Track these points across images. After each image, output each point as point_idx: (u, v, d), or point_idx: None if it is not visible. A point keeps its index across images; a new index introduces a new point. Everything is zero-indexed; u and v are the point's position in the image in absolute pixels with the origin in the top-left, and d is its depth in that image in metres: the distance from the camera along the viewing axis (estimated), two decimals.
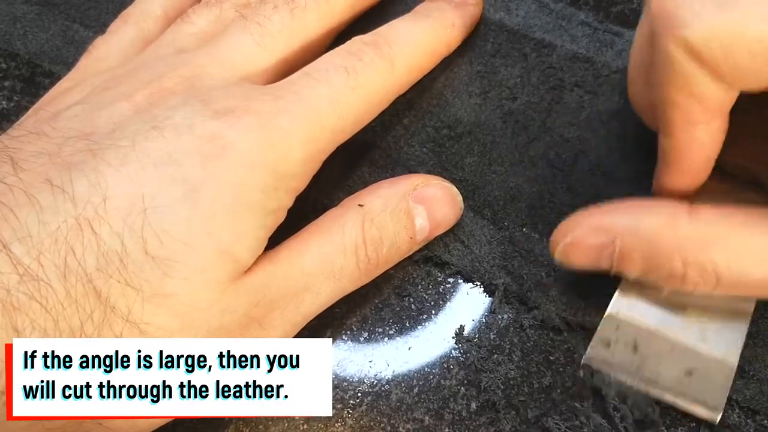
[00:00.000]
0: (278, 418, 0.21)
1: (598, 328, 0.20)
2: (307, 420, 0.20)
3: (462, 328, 0.22)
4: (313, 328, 0.21)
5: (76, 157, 0.18)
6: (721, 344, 0.20)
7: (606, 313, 0.21)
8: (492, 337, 0.21)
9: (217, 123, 0.19)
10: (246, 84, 0.21)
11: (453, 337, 0.21)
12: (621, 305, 0.21)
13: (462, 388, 0.21)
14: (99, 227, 0.17)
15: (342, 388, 0.21)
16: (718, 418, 0.19)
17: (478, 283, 0.22)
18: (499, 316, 0.22)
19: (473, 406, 0.20)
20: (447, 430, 0.20)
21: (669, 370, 0.20)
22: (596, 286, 0.22)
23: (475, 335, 0.21)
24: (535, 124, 0.24)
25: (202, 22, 0.24)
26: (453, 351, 0.21)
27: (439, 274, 0.23)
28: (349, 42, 0.22)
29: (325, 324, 0.22)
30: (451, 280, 0.23)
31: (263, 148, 0.19)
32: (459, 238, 0.23)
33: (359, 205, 0.21)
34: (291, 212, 0.20)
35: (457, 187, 0.23)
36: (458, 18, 0.25)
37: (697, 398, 0.19)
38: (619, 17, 0.26)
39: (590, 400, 0.20)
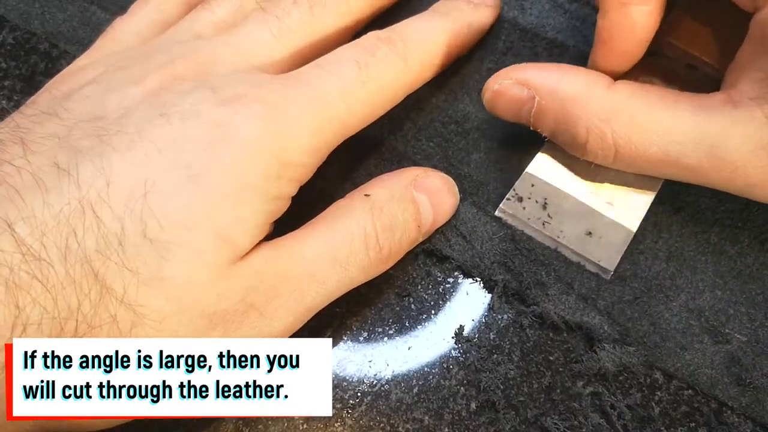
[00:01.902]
0: (278, 418, 0.21)
1: (515, 183, 0.22)
2: (307, 420, 0.21)
3: (462, 328, 0.22)
4: (313, 328, 0.21)
5: (84, 142, 0.18)
6: (624, 212, 0.22)
7: (525, 171, 0.23)
8: (492, 337, 0.21)
9: (224, 110, 0.19)
10: (257, 72, 0.21)
11: (453, 337, 0.21)
12: (541, 166, 0.23)
13: (462, 388, 0.21)
14: (101, 210, 0.17)
15: (342, 388, 0.21)
16: (609, 275, 0.22)
17: (478, 279, 0.22)
18: (499, 316, 0.22)
19: (473, 406, 0.21)
20: (447, 430, 0.20)
21: (571, 229, 0.22)
22: (596, 287, 0.22)
23: (475, 335, 0.21)
24: None
25: (222, 11, 0.24)
26: (453, 351, 0.21)
27: (439, 274, 0.23)
28: (363, 37, 0.22)
29: (325, 324, 0.22)
30: (450, 280, 0.23)
31: (268, 136, 0.19)
32: (461, 233, 0.23)
33: (365, 195, 0.21)
34: (298, 204, 0.20)
35: (462, 183, 0.23)
36: (475, 18, 0.25)
37: (594, 256, 0.21)
38: None
39: (588, 399, 0.20)
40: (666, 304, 0.21)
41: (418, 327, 0.22)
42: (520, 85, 0.21)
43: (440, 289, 0.22)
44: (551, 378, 0.21)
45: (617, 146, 0.19)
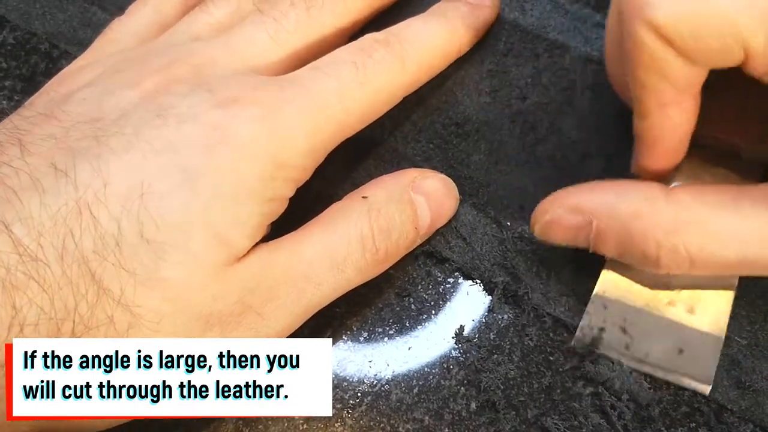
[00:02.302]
0: (278, 418, 0.21)
1: (587, 308, 0.21)
2: (307, 420, 0.21)
3: (462, 328, 0.22)
4: (313, 328, 0.21)
5: (82, 143, 0.18)
6: (708, 317, 0.20)
7: (593, 293, 0.21)
8: (492, 337, 0.21)
9: (221, 112, 0.19)
10: (254, 74, 0.21)
11: (453, 337, 0.21)
12: (607, 284, 0.21)
13: (462, 388, 0.21)
14: (98, 211, 0.17)
15: (342, 388, 0.21)
16: (708, 389, 0.20)
17: (478, 281, 0.22)
18: (499, 317, 0.22)
19: (473, 406, 0.21)
20: (447, 430, 0.20)
21: (659, 348, 0.20)
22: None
23: (475, 335, 0.21)
24: (544, 125, 0.24)
25: (220, 13, 0.24)
26: (453, 351, 0.21)
27: (439, 274, 0.23)
28: (360, 39, 0.22)
29: (325, 324, 0.22)
30: (451, 280, 0.23)
31: (265, 138, 0.19)
32: (461, 234, 0.23)
33: (363, 197, 0.21)
34: (296, 206, 0.20)
35: (462, 185, 0.23)
36: (473, 19, 0.25)
37: (688, 373, 0.20)
38: None
39: (588, 399, 0.20)
40: None
41: (418, 327, 0.22)
42: (573, 212, 0.20)
43: (440, 289, 0.22)
44: (551, 378, 0.21)
45: (691, 256, 0.18)
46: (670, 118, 0.18)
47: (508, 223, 0.23)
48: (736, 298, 0.20)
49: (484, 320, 0.22)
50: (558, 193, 0.20)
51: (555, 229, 0.20)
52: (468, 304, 0.22)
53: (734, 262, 0.18)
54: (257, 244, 0.19)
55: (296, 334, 0.20)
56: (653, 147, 0.20)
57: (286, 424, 0.20)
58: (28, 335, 0.16)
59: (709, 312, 0.20)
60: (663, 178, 0.20)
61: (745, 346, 0.20)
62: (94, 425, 0.18)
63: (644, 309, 0.20)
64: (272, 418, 0.21)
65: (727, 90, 0.20)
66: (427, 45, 0.23)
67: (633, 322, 0.20)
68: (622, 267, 0.21)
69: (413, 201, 0.21)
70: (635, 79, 0.18)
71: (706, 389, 0.20)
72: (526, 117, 0.25)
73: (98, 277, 0.17)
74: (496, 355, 0.21)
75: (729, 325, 0.21)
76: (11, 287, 0.16)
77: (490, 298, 0.22)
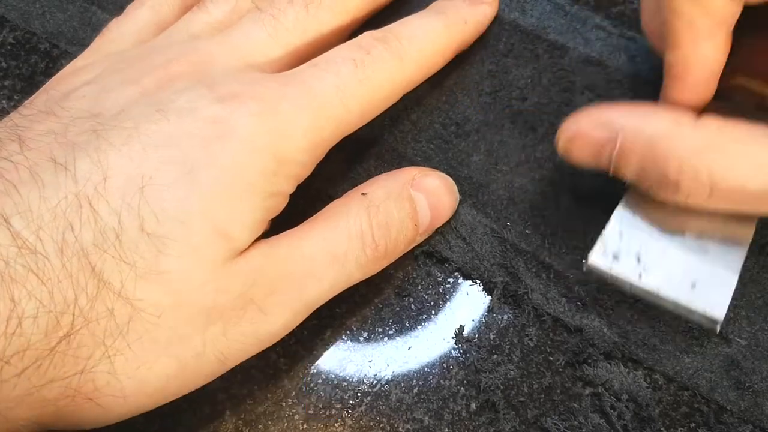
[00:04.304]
0: (278, 417, 0.21)
1: (603, 233, 0.20)
2: (307, 420, 0.21)
3: (462, 328, 0.22)
4: (313, 328, 0.21)
5: (82, 137, 0.18)
6: (724, 256, 0.20)
7: (610, 221, 0.21)
8: (492, 337, 0.21)
9: (221, 107, 0.19)
10: (253, 71, 0.21)
11: (453, 338, 0.21)
12: (625, 214, 0.21)
13: (461, 388, 0.21)
14: (98, 204, 0.17)
15: (342, 388, 0.21)
16: (718, 328, 0.20)
17: (478, 281, 0.22)
18: (499, 317, 0.22)
19: (473, 406, 0.21)
20: (446, 430, 0.20)
21: (672, 280, 0.20)
22: (595, 289, 0.22)
23: (475, 335, 0.21)
24: (544, 126, 0.24)
25: (218, 12, 0.24)
26: (453, 351, 0.21)
27: (439, 274, 0.23)
28: (359, 36, 0.22)
29: (325, 324, 0.22)
30: (450, 280, 0.23)
31: (265, 133, 0.19)
32: (461, 234, 0.23)
33: (362, 194, 0.21)
34: (297, 204, 0.21)
35: (462, 185, 0.23)
36: (472, 16, 0.25)
37: (699, 308, 0.19)
38: (635, 22, 0.26)
39: (588, 399, 0.20)
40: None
41: (418, 327, 0.22)
42: (600, 125, 0.20)
43: (440, 290, 0.22)
44: (551, 378, 0.21)
45: (713, 182, 0.18)
46: (701, 50, 0.19)
47: (508, 223, 0.23)
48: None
49: (483, 320, 0.22)
50: (588, 109, 0.21)
51: (579, 143, 0.20)
52: (468, 304, 0.22)
53: (755, 193, 0.18)
54: (258, 239, 0.19)
55: (296, 333, 0.20)
56: (683, 79, 0.20)
57: (286, 424, 0.20)
58: (27, 328, 0.16)
59: (726, 252, 0.20)
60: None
61: (745, 347, 0.20)
62: (96, 422, 0.18)
63: (660, 241, 0.20)
64: (272, 418, 0.21)
65: (760, 39, 0.21)
66: (425, 42, 0.23)
67: (648, 252, 0.20)
68: (640, 200, 0.21)
69: (412, 198, 0.21)
70: (672, 8, 0.19)
71: (715, 327, 0.20)
72: (526, 117, 0.25)
73: (98, 270, 0.16)
74: (495, 356, 0.21)
75: (728, 326, 0.21)
76: (10, 280, 0.16)
77: (489, 298, 0.22)
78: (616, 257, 0.20)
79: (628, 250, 0.20)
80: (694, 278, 0.20)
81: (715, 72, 0.20)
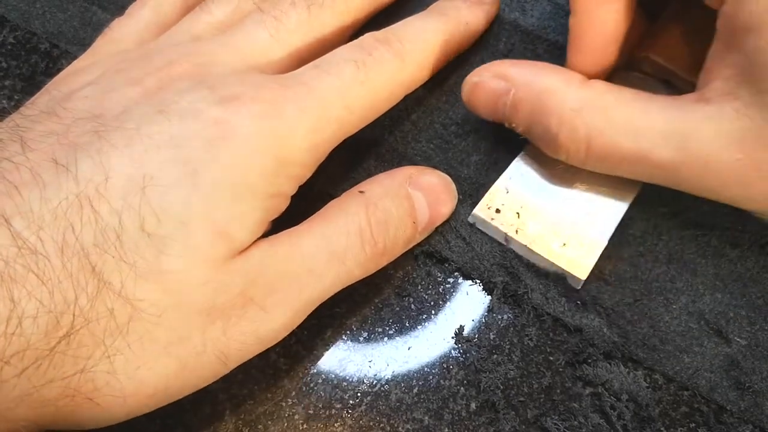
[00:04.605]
0: (278, 417, 0.21)
1: (490, 189, 0.22)
2: (307, 420, 0.21)
3: (462, 328, 0.22)
4: (313, 328, 0.21)
5: (83, 138, 0.18)
6: (598, 223, 0.22)
7: (499, 178, 0.23)
8: (491, 337, 0.21)
9: (223, 108, 0.19)
10: (255, 73, 0.21)
11: (453, 337, 0.21)
12: (515, 172, 0.23)
13: (461, 388, 0.21)
14: (99, 205, 0.17)
15: (342, 388, 0.21)
16: (581, 283, 0.21)
17: (478, 281, 0.22)
18: (499, 317, 0.22)
19: (473, 406, 0.21)
20: (446, 430, 0.20)
21: (544, 238, 0.22)
22: (595, 288, 0.22)
23: (475, 335, 0.21)
24: None
25: (220, 12, 0.24)
26: (452, 351, 0.21)
27: (439, 274, 0.23)
28: (360, 38, 0.22)
29: (325, 324, 0.22)
30: (450, 280, 0.23)
31: (266, 135, 0.19)
32: (461, 234, 0.23)
33: (360, 191, 0.21)
34: (297, 204, 0.21)
35: (462, 185, 0.23)
36: (473, 17, 0.25)
37: (565, 266, 0.21)
38: None
39: (588, 399, 0.20)
40: (666, 307, 0.21)
41: (418, 327, 0.22)
42: (497, 78, 0.22)
43: (440, 289, 0.22)
44: (551, 378, 0.21)
45: (589, 139, 0.20)
46: (598, 15, 0.20)
47: None
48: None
49: (483, 320, 0.22)
50: (489, 63, 0.22)
51: (479, 92, 0.22)
52: (468, 304, 0.22)
53: (627, 154, 0.19)
54: (258, 239, 0.19)
55: (296, 333, 0.20)
56: (579, 42, 0.21)
57: (286, 424, 0.20)
58: (27, 328, 0.16)
59: (600, 217, 0.22)
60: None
61: (745, 347, 0.20)
62: (96, 422, 0.18)
63: (543, 199, 0.22)
64: (272, 418, 0.21)
65: (671, 16, 0.22)
66: (426, 43, 0.23)
67: (528, 210, 0.22)
68: (532, 160, 0.23)
69: (410, 196, 0.21)
70: None
71: (578, 285, 0.21)
72: None
73: (98, 270, 0.17)
74: (495, 355, 0.21)
75: (729, 326, 0.21)
76: (10, 280, 0.16)
77: (489, 298, 0.22)
78: (498, 210, 0.22)
79: (511, 205, 0.22)
80: (566, 237, 0.22)
81: (613, 39, 0.21)
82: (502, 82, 0.21)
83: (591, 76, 0.21)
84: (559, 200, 0.22)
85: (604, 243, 0.21)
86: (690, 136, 0.18)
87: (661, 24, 0.22)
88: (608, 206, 0.22)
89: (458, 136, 0.25)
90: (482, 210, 0.22)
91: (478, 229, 0.23)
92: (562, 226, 0.22)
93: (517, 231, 0.22)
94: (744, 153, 0.18)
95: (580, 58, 0.22)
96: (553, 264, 0.21)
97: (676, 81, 0.22)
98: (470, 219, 0.22)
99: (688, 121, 0.19)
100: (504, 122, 0.22)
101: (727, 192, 0.19)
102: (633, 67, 0.22)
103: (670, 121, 0.19)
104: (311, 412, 0.21)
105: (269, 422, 0.21)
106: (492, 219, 0.22)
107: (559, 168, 0.22)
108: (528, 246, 0.22)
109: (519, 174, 0.23)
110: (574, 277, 0.21)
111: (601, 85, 0.20)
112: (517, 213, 0.22)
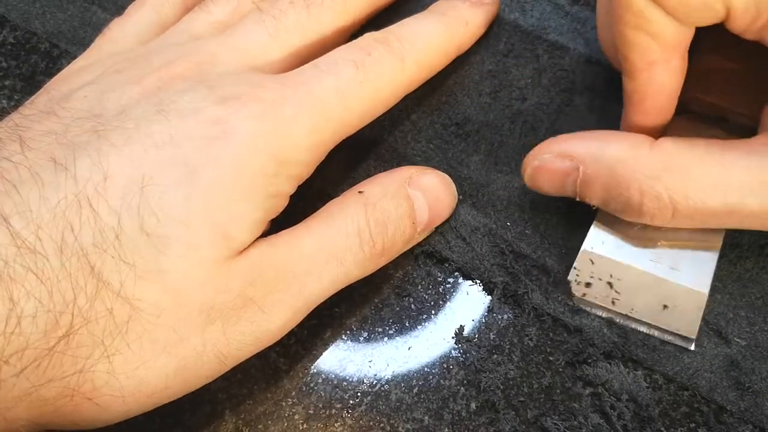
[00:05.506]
0: (278, 417, 0.21)
1: (575, 263, 0.21)
2: (307, 420, 0.20)
3: (462, 328, 0.22)
4: (313, 328, 0.21)
5: (82, 138, 0.18)
6: (692, 274, 0.20)
7: (581, 249, 0.21)
8: (492, 337, 0.21)
9: (222, 108, 0.19)
10: (254, 72, 0.21)
11: (453, 337, 0.21)
12: (595, 241, 0.21)
13: (461, 388, 0.21)
14: (97, 204, 0.17)
15: (342, 388, 0.21)
16: (693, 345, 0.20)
17: (478, 281, 0.22)
18: (499, 317, 0.22)
19: (473, 406, 0.21)
20: (446, 430, 0.20)
21: (643, 303, 0.21)
22: None
23: (475, 335, 0.21)
24: (544, 126, 0.24)
25: (219, 12, 0.24)
26: (453, 351, 0.21)
27: (439, 274, 0.23)
28: (360, 38, 0.23)
29: (325, 324, 0.22)
30: (451, 280, 0.23)
31: (265, 135, 0.19)
32: (461, 235, 0.23)
33: (359, 192, 0.21)
34: (297, 204, 0.21)
35: (462, 185, 0.23)
36: (473, 17, 0.25)
37: (671, 328, 0.20)
38: None
39: (588, 399, 0.20)
40: None
41: (418, 327, 0.22)
42: (561, 158, 0.20)
43: (440, 289, 0.22)
44: (551, 378, 0.21)
45: (674, 203, 0.19)
46: (657, 76, 0.19)
47: (508, 223, 0.23)
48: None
49: (483, 320, 0.22)
50: (547, 140, 0.21)
51: (543, 174, 0.21)
52: (468, 304, 0.22)
53: (716, 211, 0.19)
54: (257, 239, 0.19)
55: (295, 333, 0.20)
56: (641, 106, 0.20)
57: (286, 424, 0.20)
58: (26, 327, 0.16)
59: (693, 270, 0.20)
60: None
61: (745, 347, 0.20)
62: (95, 421, 0.18)
63: (630, 265, 0.21)
64: (272, 418, 0.21)
65: (716, 53, 0.21)
66: (426, 43, 0.23)
67: (619, 277, 0.21)
68: (609, 224, 0.21)
69: (409, 196, 0.21)
70: (623, 38, 0.18)
71: (690, 344, 0.20)
72: (526, 117, 0.25)
73: (97, 269, 0.17)
74: (495, 355, 0.21)
75: (728, 327, 0.21)
76: (9, 279, 0.16)
77: (489, 298, 0.22)
78: (588, 285, 0.21)
79: (600, 275, 0.21)
80: (664, 299, 0.20)
81: (673, 95, 0.20)
82: (567, 161, 0.20)
83: (654, 135, 0.20)
84: (647, 260, 0.21)
85: (705, 295, 0.20)
86: None
87: (701, 61, 0.21)
88: (698, 257, 0.21)
89: (458, 136, 0.25)
90: (574, 286, 0.21)
91: (480, 228, 0.23)
92: (657, 287, 0.20)
93: (613, 302, 0.21)
94: None
95: (641, 120, 0.21)
96: (659, 328, 0.21)
97: (729, 116, 0.21)
98: (567, 294, 0.21)
99: None
100: (574, 197, 0.21)
101: None
102: (681, 108, 0.21)
103: (754, 172, 0.18)
104: (311, 411, 0.21)
105: (269, 422, 0.21)
106: (584, 295, 0.21)
107: (637, 228, 0.21)
108: (629, 315, 0.21)
109: (599, 242, 0.21)
110: (684, 337, 0.20)
111: (670, 145, 0.19)
112: (609, 283, 0.21)
